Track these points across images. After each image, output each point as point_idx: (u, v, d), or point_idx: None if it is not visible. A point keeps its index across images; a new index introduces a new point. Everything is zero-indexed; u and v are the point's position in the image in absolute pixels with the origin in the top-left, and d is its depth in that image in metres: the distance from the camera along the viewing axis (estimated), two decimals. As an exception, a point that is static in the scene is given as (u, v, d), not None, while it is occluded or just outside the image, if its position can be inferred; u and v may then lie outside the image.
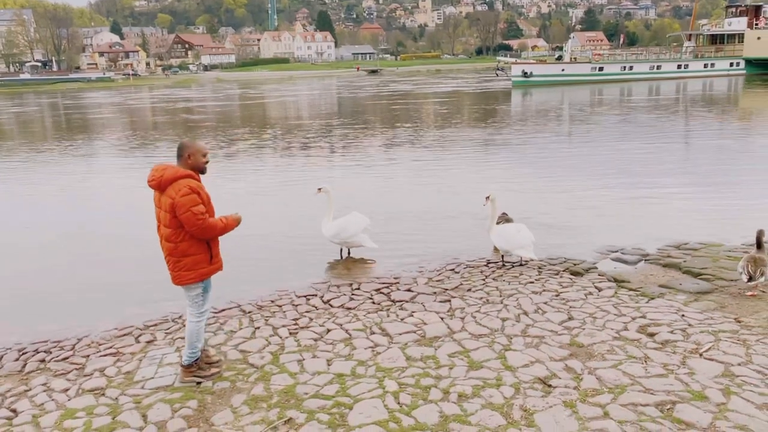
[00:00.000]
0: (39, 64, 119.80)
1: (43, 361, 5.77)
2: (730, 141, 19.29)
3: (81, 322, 6.69)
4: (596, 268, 7.76)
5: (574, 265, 7.85)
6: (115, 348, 5.91)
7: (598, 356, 5.10)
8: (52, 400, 4.91)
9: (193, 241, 4.68)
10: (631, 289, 6.84)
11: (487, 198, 7.87)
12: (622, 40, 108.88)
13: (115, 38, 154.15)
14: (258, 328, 6.16)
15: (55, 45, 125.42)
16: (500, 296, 6.74)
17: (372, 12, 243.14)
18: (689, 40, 65.40)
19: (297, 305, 6.82)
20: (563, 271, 7.64)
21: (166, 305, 6.85)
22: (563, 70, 58.63)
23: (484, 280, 7.40)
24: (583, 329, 5.68)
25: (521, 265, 7.91)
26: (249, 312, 6.68)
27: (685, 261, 7.75)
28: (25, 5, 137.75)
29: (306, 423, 4.26)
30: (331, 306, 6.75)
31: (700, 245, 8.45)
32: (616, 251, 8.40)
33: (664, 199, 11.56)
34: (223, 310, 6.77)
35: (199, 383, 4.98)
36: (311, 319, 6.33)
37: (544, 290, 6.88)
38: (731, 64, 60.44)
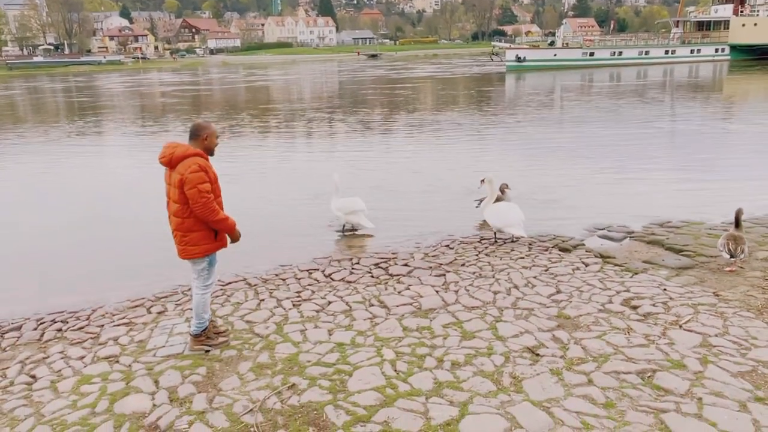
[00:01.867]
0: (51, 47, 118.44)
1: (60, 330, 5.82)
2: (712, 125, 19.21)
3: (95, 295, 6.73)
4: (584, 244, 7.80)
5: (563, 241, 7.88)
6: (128, 318, 5.95)
7: (584, 327, 5.14)
8: (69, 366, 4.97)
9: (198, 218, 4.69)
10: (616, 265, 6.88)
11: (482, 181, 7.88)
12: (612, 26, 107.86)
13: (125, 22, 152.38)
14: (263, 300, 6.21)
15: (67, 29, 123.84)
16: (492, 271, 6.77)
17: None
18: (677, 26, 64.68)
19: (300, 279, 6.86)
20: (552, 247, 7.67)
21: (176, 278, 6.88)
22: (555, 55, 58.12)
23: (477, 255, 7.44)
24: (570, 302, 5.72)
25: (512, 241, 7.94)
26: (255, 285, 6.72)
27: (668, 238, 7.78)
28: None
29: (308, 388, 4.31)
30: (333, 279, 6.79)
31: (683, 223, 8.47)
32: (603, 229, 8.43)
33: (649, 179, 11.56)
34: (230, 283, 6.81)
35: (207, 351, 5.03)
36: (313, 292, 6.37)
37: (533, 265, 6.92)
38: (717, 50, 59.86)
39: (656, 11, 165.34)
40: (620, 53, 58.45)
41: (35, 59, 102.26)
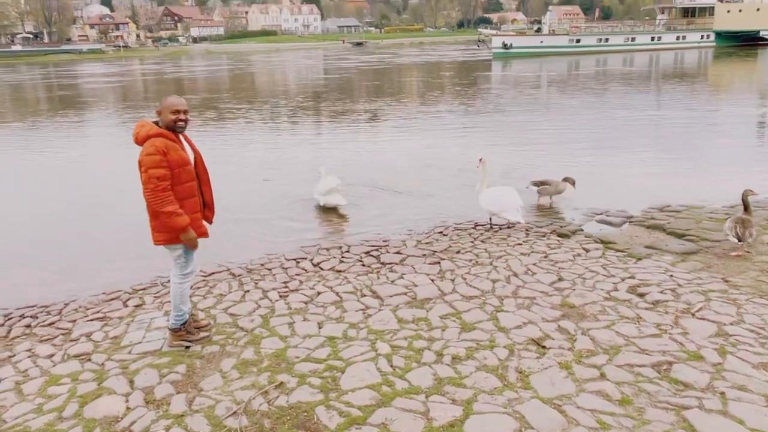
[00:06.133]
0: (30, 36, 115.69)
1: (28, 326, 5.41)
2: (701, 111, 18.99)
3: (69, 287, 6.32)
4: (582, 230, 7.49)
5: (561, 227, 7.57)
6: (103, 312, 5.55)
7: (591, 317, 4.83)
8: (37, 366, 4.56)
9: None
10: (618, 250, 6.58)
11: (480, 160, 7.53)
12: (597, 14, 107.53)
13: (105, 10, 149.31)
14: (248, 291, 5.83)
15: (46, 17, 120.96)
16: (489, 258, 6.44)
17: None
18: (662, 13, 64.69)
19: (287, 268, 6.48)
20: (550, 233, 7.35)
21: (155, 269, 6.48)
22: (542, 42, 57.76)
23: (472, 242, 7.10)
24: (574, 290, 5.41)
25: (508, 227, 7.62)
26: (239, 275, 6.34)
27: (668, 222, 7.50)
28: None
29: (297, 387, 3.95)
30: (321, 269, 6.42)
31: (683, 207, 8.20)
32: (601, 213, 8.13)
33: (642, 164, 11.29)
34: (213, 273, 6.42)
35: (187, 347, 4.66)
36: (301, 282, 6.00)
37: (532, 252, 6.59)
38: (702, 37, 59.90)
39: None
40: (606, 40, 58.27)
41: (14, 48, 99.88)
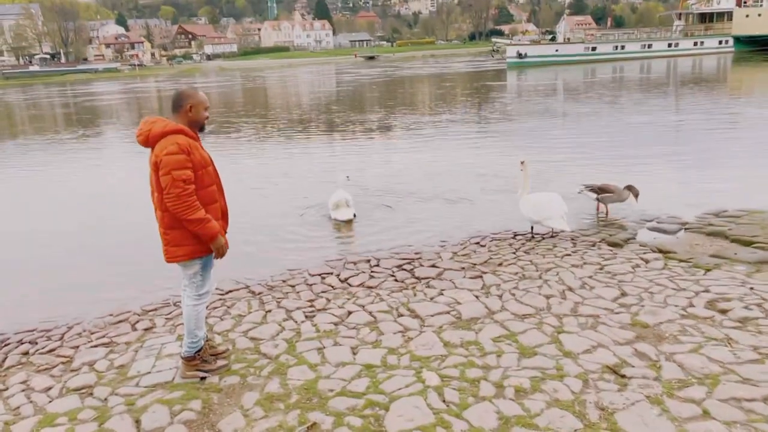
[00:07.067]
0: (48, 56, 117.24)
1: (26, 353, 4.82)
2: (726, 115, 18.16)
3: (74, 308, 5.74)
4: (635, 238, 6.78)
5: (610, 235, 6.86)
6: (109, 337, 4.95)
7: (670, 338, 4.13)
8: (31, 402, 3.96)
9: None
10: (681, 260, 5.86)
11: (522, 163, 6.87)
12: (609, 23, 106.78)
13: (121, 30, 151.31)
14: (270, 311, 5.20)
15: (63, 38, 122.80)
16: (537, 271, 5.76)
17: (368, 0, 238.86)
18: (679, 18, 63.77)
19: (311, 285, 5.85)
20: (599, 242, 6.65)
21: (167, 288, 5.88)
22: (557, 50, 57.11)
23: (514, 253, 6.42)
24: (643, 306, 4.71)
25: (552, 236, 6.94)
26: (259, 293, 5.71)
27: (729, 229, 6.77)
28: (33, 0, 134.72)
29: (334, 429, 3.30)
30: (350, 285, 5.78)
31: (742, 212, 7.46)
32: (651, 220, 7.42)
33: (681, 169, 10.54)
34: (230, 291, 5.80)
35: (203, 378, 4.03)
36: (329, 300, 5.37)
37: (585, 263, 5.90)
38: (720, 42, 58.85)
39: (653, 7, 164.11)
40: (623, 47, 57.41)
41: (31, 68, 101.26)
